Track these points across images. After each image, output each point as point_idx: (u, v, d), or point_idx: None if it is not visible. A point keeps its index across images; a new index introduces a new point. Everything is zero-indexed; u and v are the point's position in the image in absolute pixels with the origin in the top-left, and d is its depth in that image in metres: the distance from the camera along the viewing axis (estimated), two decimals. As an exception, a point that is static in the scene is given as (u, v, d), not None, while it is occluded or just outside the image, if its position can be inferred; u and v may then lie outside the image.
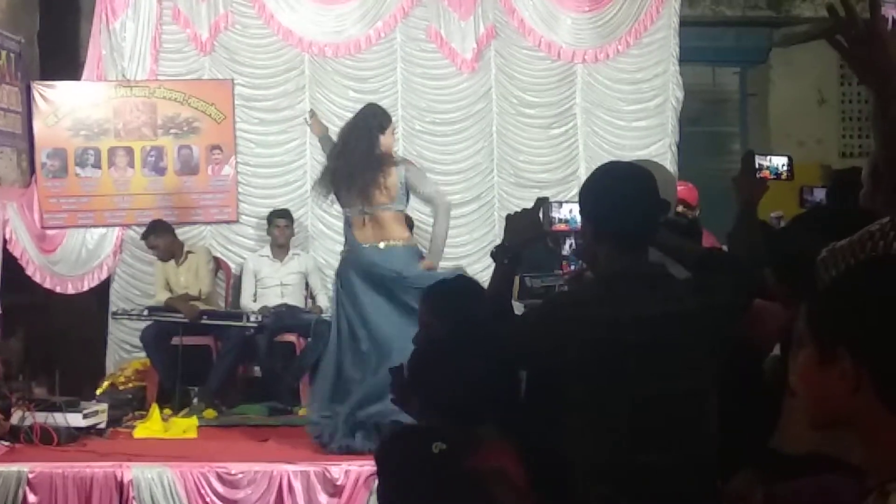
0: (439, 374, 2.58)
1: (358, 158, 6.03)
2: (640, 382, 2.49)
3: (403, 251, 6.10)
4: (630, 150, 8.35)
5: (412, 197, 6.24)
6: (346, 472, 5.64)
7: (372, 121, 6.16)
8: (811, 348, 1.56)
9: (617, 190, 2.60)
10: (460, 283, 3.35)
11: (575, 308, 2.60)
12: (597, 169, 2.72)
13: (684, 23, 8.68)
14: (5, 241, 7.25)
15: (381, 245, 6.05)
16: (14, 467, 5.65)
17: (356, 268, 6.10)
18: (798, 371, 1.64)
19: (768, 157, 3.09)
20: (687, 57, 8.74)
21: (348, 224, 6.21)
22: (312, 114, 7.21)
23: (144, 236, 7.70)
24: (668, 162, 8.42)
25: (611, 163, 2.86)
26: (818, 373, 1.55)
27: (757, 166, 3.04)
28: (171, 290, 7.62)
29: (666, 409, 2.53)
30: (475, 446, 2.50)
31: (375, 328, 6.00)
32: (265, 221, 8.03)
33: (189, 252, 7.75)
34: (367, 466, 5.41)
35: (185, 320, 7.32)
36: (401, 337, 5.27)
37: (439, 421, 2.61)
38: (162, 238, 7.62)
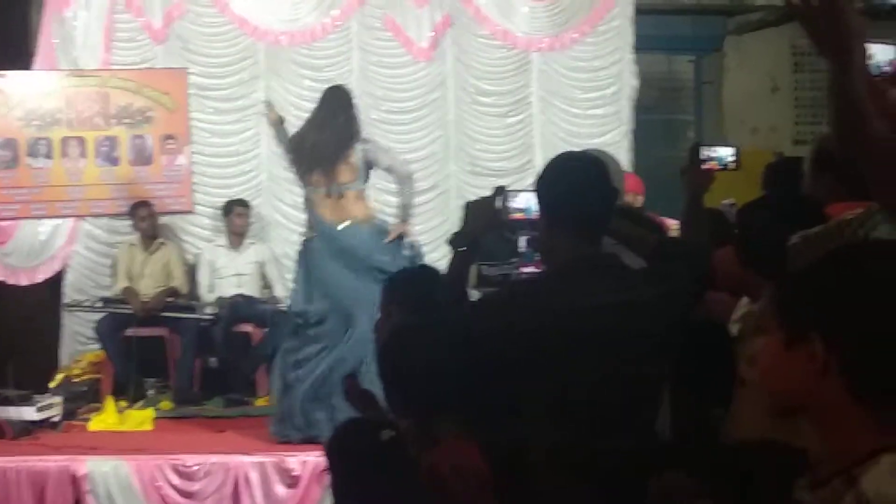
0: (405, 363, 2.58)
1: (333, 136, 6.10)
2: (593, 370, 2.50)
3: (370, 229, 6.15)
4: (586, 139, 8.38)
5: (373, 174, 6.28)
6: (303, 462, 5.63)
7: (348, 99, 6.28)
8: (778, 332, 1.57)
9: (570, 179, 2.60)
10: (423, 272, 3.37)
11: (528, 297, 2.61)
12: (551, 159, 2.73)
13: (640, 11, 8.70)
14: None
15: (348, 223, 6.08)
16: (-34, 462, 5.59)
17: (325, 247, 6.10)
18: (760, 357, 1.65)
19: (715, 149, 3.11)
20: (642, 45, 8.77)
21: (312, 205, 6.18)
22: (269, 104, 7.16)
23: (132, 211, 7.63)
24: (624, 150, 8.47)
25: (564, 153, 2.86)
26: (784, 358, 1.56)
27: (704, 157, 3.06)
28: (130, 279, 7.55)
29: (619, 397, 2.54)
30: (433, 441, 2.49)
31: (342, 305, 6.00)
32: (220, 211, 7.98)
33: (162, 243, 7.71)
34: (323, 457, 5.40)
35: (141, 314, 7.28)
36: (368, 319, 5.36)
37: (404, 414, 2.60)
38: (149, 214, 7.62)
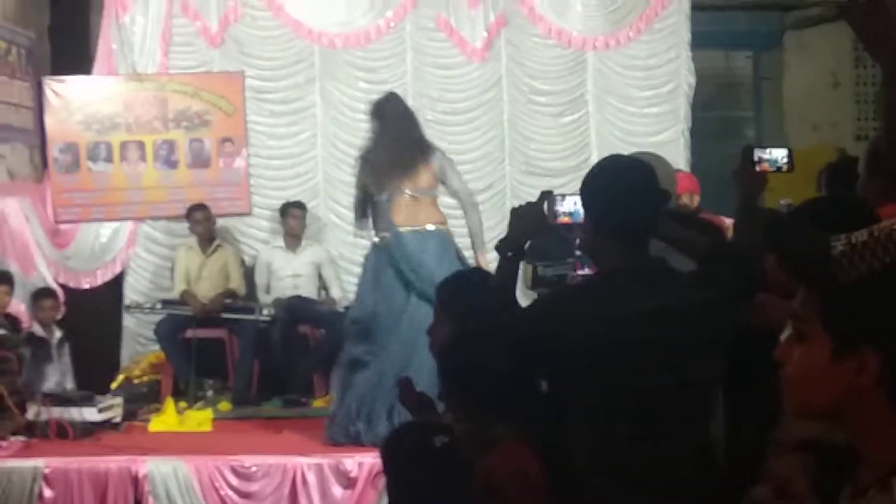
0: (468, 367, 2.57)
1: (407, 141, 6.08)
2: (642, 377, 2.48)
3: (442, 236, 6.08)
4: (642, 137, 8.33)
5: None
6: (360, 464, 5.65)
7: (408, 107, 6.36)
8: (823, 342, 1.56)
9: (615, 185, 2.58)
10: (474, 275, 3.36)
11: (575, 303, 2.59)
12: (597, 163, 2.71)
13: (696, 7, 8.62)
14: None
15: (427, 227, 6.02)
16: (30, 462, 5.68)
17: (392, 257, 6.04)
18: (798, 364, 1.64)
19: (768, 150, 3.06)
20: (699, 42, 8.69)
21: (384, 209, 6.09)
22: None
23: (189, 214, 7.72)
24: (681, 148, 8.40)
25: (610, 157, 2.84)
26: (828, 368, 1.55)
27: (756, 159, 3.01)
28: (189, 282, 7.63)
29: (669, 403, 2.52)
30: (490, 446, 2.49)
31: (394, 311, 5.98)
32: (278, 213, 8.04)
33: (219, 245, 7.78)
34: (380, 459, 5.41)
35: (200, 315, 7.36)
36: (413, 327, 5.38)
37: (464, 417, 2.59)
38: (206, 217, 7.70)
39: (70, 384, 7.08)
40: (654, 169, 2.64)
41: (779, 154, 3.05)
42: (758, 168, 3.01)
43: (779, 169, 3.04)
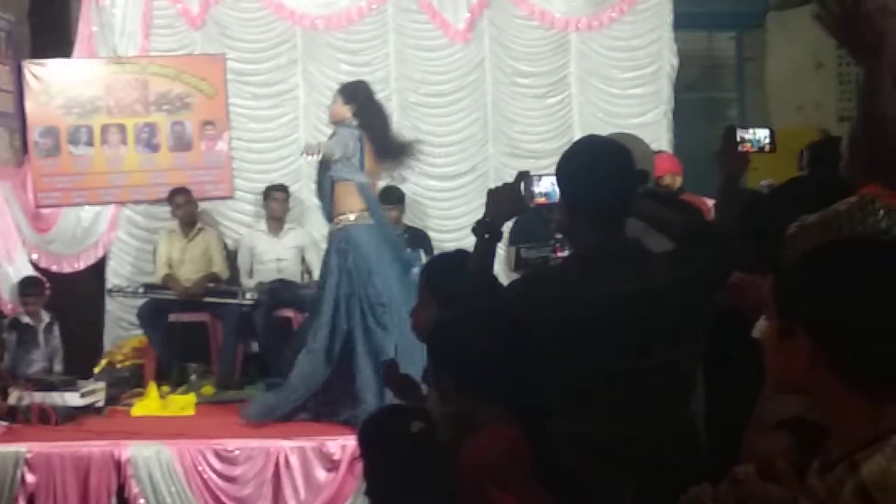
0: (458, 349, 2.56)
1: (387, 122, 6.43)
2: (618, 358, 2.48)
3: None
4: (625, 118, 8.32)
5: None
6: (343, 447, 5.65)
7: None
8: (774, 321, 1.60)
9: (590, 166, 2.57)
10: (457, 257, 3.34)
11: (549, 285, 2.58)
12: (573, 144, 2.70)
13: (679, -12, 8.61)
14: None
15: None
16: (12, 447, 5.67)
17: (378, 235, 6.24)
18: (763, 340, 1.68)
19: (751, 131, 3.05)
20: (682, 23, 8.67)
21: (368, 190, 6.29)
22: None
23: (170, 198, 7.69)
24: (664, 129, 8.41)
25: (585, 137, 2.83)
26: (779, 344, 1.59)
27: (739, 139, 3.01)
28: (171, 266, 7.60)
29: (647, 384, 2.52)
30: (476, 427, 2.48)
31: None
32: (261, 196, 8.01)
33: (200, 229, 7.75)
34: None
35: (182, 298, 7.34)
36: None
37: (454, 397, 2.58)
38: (187, 201, 7.67)
39: (59, 366, 7.08)
40: (630, 150, 2.63)
41: (761, 134, 3.04)
42: (740, 148, 3.01)
43: (761, 149, 3.04)
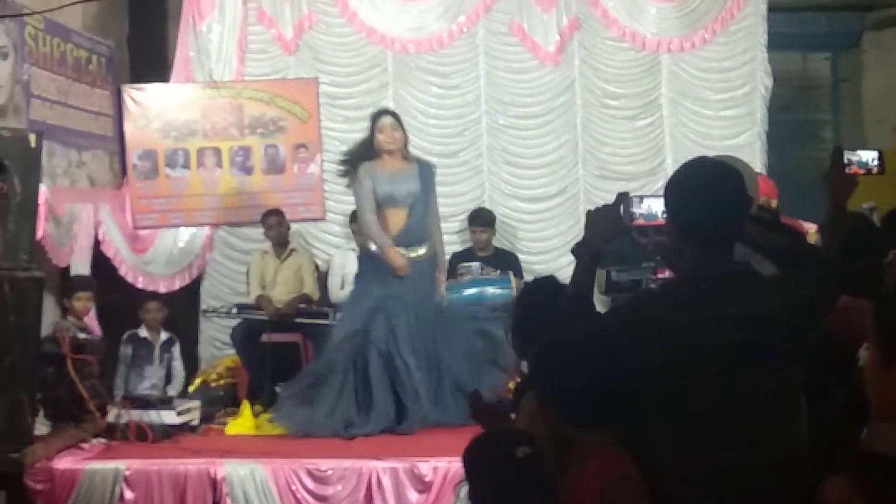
0: (560, 377, 2.56)
1: None
2: (723, 383, 2.45)
3: None
4: (718, 140, 8.24)
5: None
6: (435, 468, 5.63)
7: None
8: (874, 349, 1.56)
9: (705, 190, 2.54)
10: (548, 284, 3.33)
11: (660, 310, 2.55)
12: (683, 166, 2.66)
13: (773, 9, 8.51)
14: (98, 242, 7.43)
15: None
16: (111, 464, 5.75)
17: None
18: (865, 370, 1.63)
19: (857, 152, 3.00)
20: (776, 43, 8.57)
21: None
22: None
23: (263, 219, 7.80)
24: (758, 151, 8.30)
25: (696, 160, 2.78)
26: (881, 373, 1.54)
27: (846, 161, 2.95)
28: (263, 287, 7.70)
29: (754, 409, 2.48)
30: (580, 454, 2.47)
31: None
32: (349, 218, 8.07)
33: (293, 250, 7.85)
34: (455, 463, 5.41)
35: (274, 318, 7.42)
36: None
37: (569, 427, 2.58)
38: (280, 222, 7.77)
39: (177, 387, 7.34)
40: (741, 173, 2.60)
41: (869, 156, 2.98)
42: (847, 171, 2.95)
43: (869, 171, 2.98)
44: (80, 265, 7.18)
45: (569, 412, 2.49)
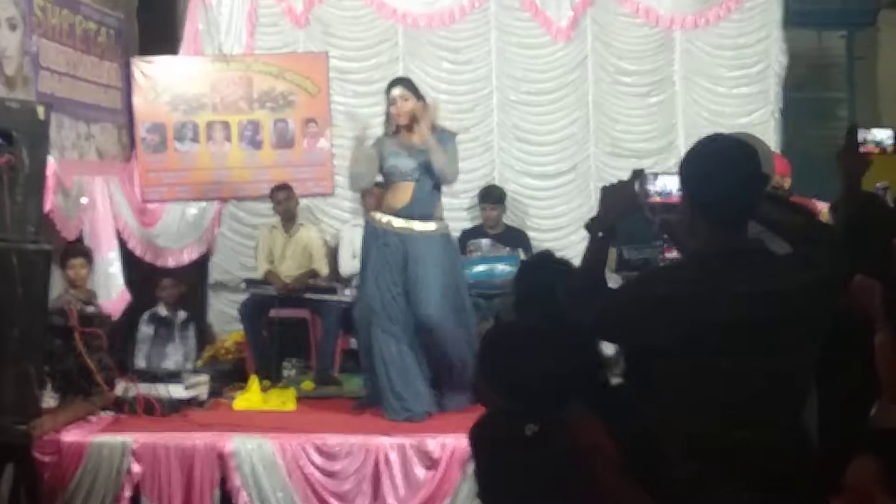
0: (515, 361, 2.53)
1: None
2: (738, 359, 2.44)
3: None
4: (731, 118, 8.18)
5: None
6: (443, 445, 5.63)
7: None
8: (885, 331, 1.53)
9: (723, 168, 2.51)
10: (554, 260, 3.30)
11: (672, 285, 2.53)
12: (699, 143, 2.62)
13: (789, -14, 8.43)
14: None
15: None
16: (119, 437, 5.76)
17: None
18: (876, 351, 1.61)
19: (872, 131, 2.96)
20: (791, 21, 8.49)
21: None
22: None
23: (272, 194, 7.77)
24: (772, 130, 8.23)
25: (713, 137, 2.73)
26: (892, 354, 1.52)
27: (860, 140, 2.91)
28: (272, 262, 7.68)
29: (764, 387, 2.47)
30: (565, 425, 2.45)
31: None
32: (359, 193, 8.03)
33: (301, 225, 7.81)
34: (463, 440, 5.39)
35: (282, 294, 7.40)
36: None
37: (522, 407, 2.56)
38: (288, 197, 7.73)
39: (190, 365, 7.27)
40: (757, 151, 2.56)
41: (884, 135, 2.95)
42: (862, 149, 2.92)
43: (883, 150, 2.95)
44: (105, 239, 7.17)
45: (535, 405, 2.47)
